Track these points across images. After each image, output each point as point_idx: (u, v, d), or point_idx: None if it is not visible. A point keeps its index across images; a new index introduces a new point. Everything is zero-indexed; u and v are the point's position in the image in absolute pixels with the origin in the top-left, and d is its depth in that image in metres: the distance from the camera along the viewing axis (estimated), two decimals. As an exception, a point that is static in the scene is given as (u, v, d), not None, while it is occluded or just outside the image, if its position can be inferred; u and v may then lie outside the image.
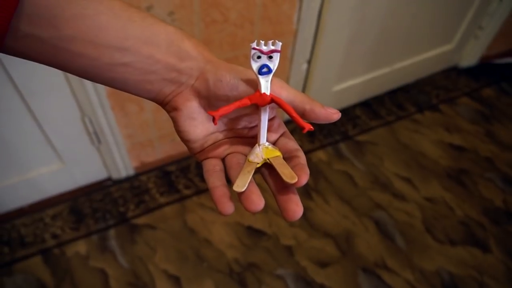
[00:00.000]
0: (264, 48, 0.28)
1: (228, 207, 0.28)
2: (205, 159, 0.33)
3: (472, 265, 1.16)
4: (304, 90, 1.41)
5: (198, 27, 0.99)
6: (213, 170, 0.31)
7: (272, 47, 0.28)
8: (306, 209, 1.26)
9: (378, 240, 1.21)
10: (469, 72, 1.83)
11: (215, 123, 0.28)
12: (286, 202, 0.28)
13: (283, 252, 1.16)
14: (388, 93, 1.69)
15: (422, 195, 1.33)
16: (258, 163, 0.30)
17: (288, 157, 0.31)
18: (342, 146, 1.47)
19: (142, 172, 1.32)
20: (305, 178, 0.28)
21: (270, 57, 0.28)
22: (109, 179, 1.29)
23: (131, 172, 1.30)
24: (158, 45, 0.27)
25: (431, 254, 1.18)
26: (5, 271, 1.08)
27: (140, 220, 1.20)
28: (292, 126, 1.24)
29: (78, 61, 0.26)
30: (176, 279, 1.09)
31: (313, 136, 1.49)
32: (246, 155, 0.32)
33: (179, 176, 1.32)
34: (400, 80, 1.68)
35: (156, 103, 0.31)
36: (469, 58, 1.79)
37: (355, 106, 1.62)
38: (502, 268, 1.16)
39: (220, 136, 0.33)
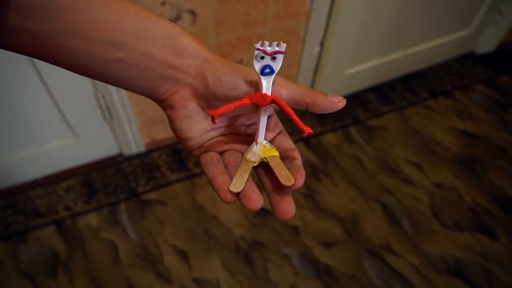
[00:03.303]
0: (268, 49, 0.27)
1: (230, 195, 0.28)
2: (202, 154, 0.33)
3: (478, 251, 1.16)
4: (315, 73, 1.40)
5: (211, 6, 0.99)
6: (211, 161, 0.31)
7: (277, 48, 0.27)
8: (314, 191, 1.27)
9: (384, 223, 1.21)
10: (486, 58, 1.79)
11: (214, 122, 0.28)
12: (280, 201, 0.28)
13: (290, 232, 1.17)
14: (401, 78, 1.67)
15: (431, 181, 1.32)
16: (255, 162, 0.30)
17: (284, 156, 0.31)
18: (353, 130, 1.47)
19: (153, 149, 1.34)
20: (301, 181, 0.28)
21: (274, 58, 0.28)
22: (120, 155, 1.32)
23: (142, 148, 1.32)
24: (153, 40, 0.26)
25: (438, 239, 1.18)
26: (21, 239, 1.12)
27: (150, 196, 1.23)
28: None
29: (70, 56, 0.25)
30: (184, 254, 1.11)
31: (324, 119, 1.48)
32: (242, 153, 0.32)
33: (189, 154, 1.34)
34: (414, 65, 1.66)
35: (152, 100, 0.31)
36: (487, 44, 1.75)
37: (367, 91, 1.61)
38: (509, 256, 1.15)
39: (216, 133, 0.32)
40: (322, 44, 1.29)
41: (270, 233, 1.17)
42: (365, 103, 1.56)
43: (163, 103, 0.30)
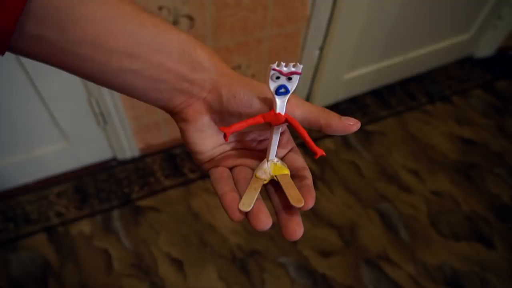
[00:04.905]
0: (284, 70, 0.27)
1: (238, 213, 0.28)
2: (212, 168, 0.32)
3: (476, 261, 1.16)
4: (314, 77, 1.38)
5: (209, 10, 0.95)
6: (221, 177, 0.31)
7: (293, 69, 0.27)
8: (311, 198, 1.26)
9: (382, 232, 1.20)
10: (485, 63, 1.78)
11: (226, 140, 0.27)
12: (288, 220, 0.28)
13: (286, 241, 1.16)
14: (400, 83, 1.65)
15: (428, 189, 1.32)
16: (265, 180, 0.30)
17: (295, 175, 0.30)
18: (350, 136, 1.45)
19: (148, 154, 1.31)
20: (311, 202, 0.27)
21: (289, 79, 0.27)
22: (114, 159, 1.29)
23: (136, 153, 1.29)
24: (169, 53, 0.26)
25: (435, 248, 1.18)
26: (11, 247, 1.09)
27: (144, 202, 1.20)
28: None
29: (86, 65, 0.25)
30: (179, 263, 1.09)
31: (321, 124, 1.46)
32: (253, 169, 0.32)
33: (185, 160, 1.31)
34: (413, 69, 1.64)
35: (166, 111, 0.30)
36: (486, 48, 1.74)
37: (365, 95, 1.59)
38: (505, 265, 1.15)
39: (227, 147, 0.32)
40: (321, 48, 1.26)
41: (267, 242, 1.15)
42: (363, 108, 1.54)
43: (176, 115, 0.30)
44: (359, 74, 1.44)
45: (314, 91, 1.42)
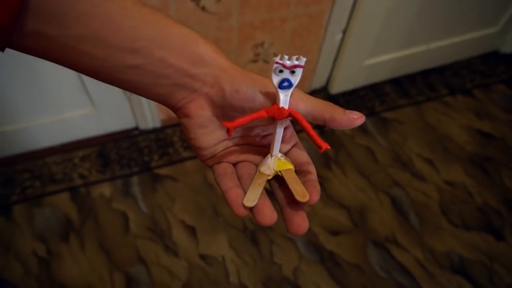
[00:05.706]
0: (287, 63, 0.27)
1: (243, 209, 0.28)
2: (215, 164, 0.32)
3: (484, 251, 1.16)
4: (335, 61, 1.39)
5: (237, -16, 0.98)
6: (224, 173, 0.31)
7: (296, 62, 0.27)
8: (324, 179, 1.28)
9: (392, 216, 1.22)
10: (510, 58, 1.76)
11: (229, 135, 0.28)
12: (293, 215, 0.28)
13: (297, 217, 1.19)
14: (421, 73, 1.65)
15: (442, 178, 1.32)
16: (269, 175, 0.30)
17: (299, 170, 0.31)
18: (367, 121, 1.47)
19: (169, 125, 1.36)
20: (316, 197, 0.27)
21: (293, 72, 0.27)
22: (136, 128, 1.34)
23: (158, 124, 1.34)
24: (170, 48, 0.26)
25: (444, 236, 1.19)
26: (36, 203, 1.15)
27: (163, 171, 1.25)
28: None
29: (87, 61, 0.25)
30: (192, 229, 1.14)
31: (339, 108, 1.48)
32: (256, 165, 0.32)
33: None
34: (436, 60, 1.63)
35: (167, 107, 0.30)
36: (513, 44, 1.71)
37: (385, 83, 1.59)
38: (514, 258, 1.15)
39: (230, 143, 0.32)
40: (344, 31, 1.27)
41: (278, 217, 1.18)
42: (382, 96, 1.55)
43: (178, 111, 0.30)
44: (380, 61, 1.45)
45: (334, 75, 1.43)
